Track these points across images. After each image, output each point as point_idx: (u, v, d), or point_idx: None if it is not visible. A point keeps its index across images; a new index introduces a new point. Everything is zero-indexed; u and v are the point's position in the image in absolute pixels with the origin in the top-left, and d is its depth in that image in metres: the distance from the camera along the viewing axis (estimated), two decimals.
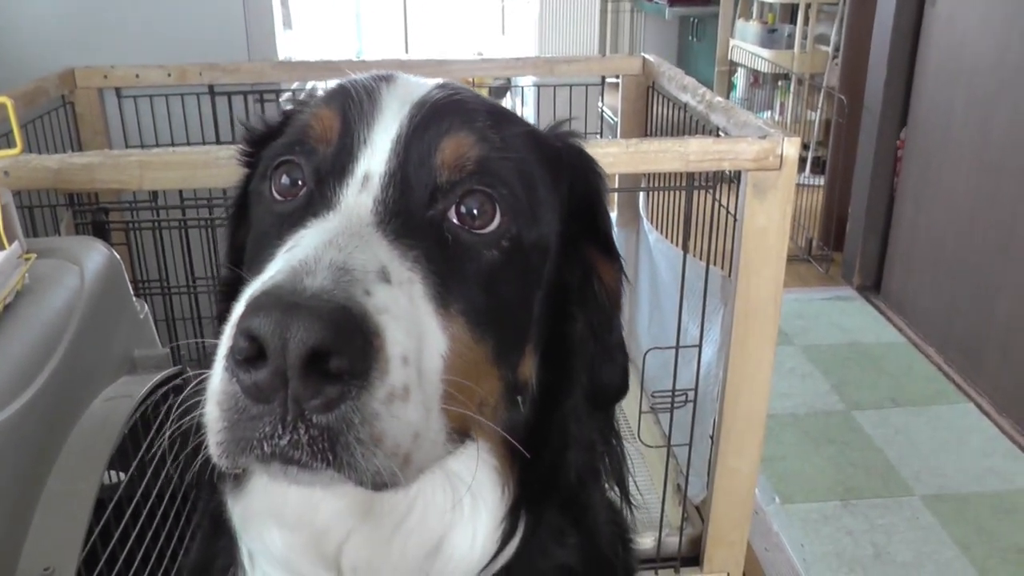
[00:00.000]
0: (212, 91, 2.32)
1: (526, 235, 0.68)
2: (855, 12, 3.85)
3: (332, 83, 0.74)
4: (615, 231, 0.92)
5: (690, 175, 1.63)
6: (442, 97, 0.69)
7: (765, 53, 5.00)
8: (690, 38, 6.67)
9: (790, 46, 4.96)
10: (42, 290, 0.98)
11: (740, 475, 1.81)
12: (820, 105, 4.78)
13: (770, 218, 1.60)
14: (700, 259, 1.81)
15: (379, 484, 0.54)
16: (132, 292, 1.21)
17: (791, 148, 1.55)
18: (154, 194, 1.51)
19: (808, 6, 4.80)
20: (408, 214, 0.63)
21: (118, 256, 1.18)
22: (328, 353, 0.49)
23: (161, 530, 1.05)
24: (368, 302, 0.53)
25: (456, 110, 0.68)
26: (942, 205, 3.14)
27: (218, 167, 1.43)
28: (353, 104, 0.67)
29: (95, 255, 1.12)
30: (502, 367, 0.67)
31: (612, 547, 0.84)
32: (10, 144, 1.88)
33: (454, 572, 0.69)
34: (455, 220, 0.65)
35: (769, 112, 5.23)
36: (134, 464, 0.98)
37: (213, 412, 0.53)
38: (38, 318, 0.93)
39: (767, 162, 1.55)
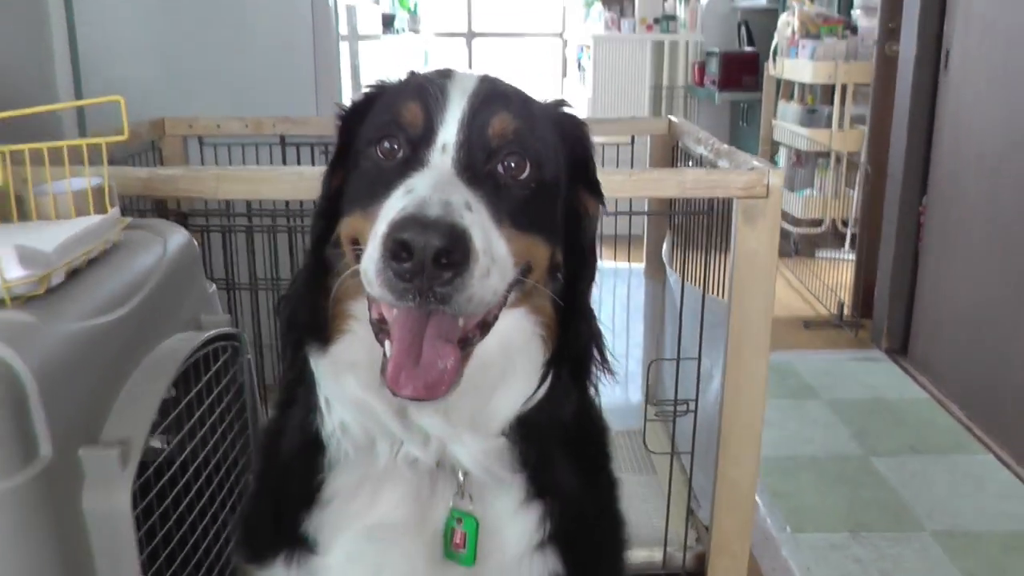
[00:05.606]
0: (283, 141, 2.62)
1: (547, 177, 1.00)
2: (880, 85, 4.04)
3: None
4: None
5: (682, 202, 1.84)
6: (487, 88, 1.01)
7: (805, 132, 5.22)
8: (741, 123, 6.93)
9: (829, 125, 5.17)
10: (132, 246, 1.24)
11: (739, 486, 1.93)
12: (858, 182, 4.94)
13: (760, 242, 1.79)
14: (715, 294, 1.99)
15: (468, 314, 0.90)
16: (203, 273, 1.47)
17: (776, 179, 1.75)
18: (226, 203, 1.79)
19: (844, 87, 5.03)
20: (473, 168, 0.94)
21: (195, 242, 1.44)
22: (448, 251, 0.82)
23: (203, 470, 1.27)
24: (463, 221, 0.84)
25: (498, 97, 1.00)
26: (960, 268, 3.25)
27: (281, 182, 1.70)
28: (430, 96, 0.98)
29: (177, 235, 1.38)
30: (547, 252, 1.01)
31: (596, 418, 1.16)
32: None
33: (507, 405, 0.99)
34: (500, 171, 0.97)
35: (809, 190, 5.41)
36: (192, 393, 1.21)
37: (377, 291, 0.86)
38: (128, 264, 1.19)
39: (755, 191, 1.75)
